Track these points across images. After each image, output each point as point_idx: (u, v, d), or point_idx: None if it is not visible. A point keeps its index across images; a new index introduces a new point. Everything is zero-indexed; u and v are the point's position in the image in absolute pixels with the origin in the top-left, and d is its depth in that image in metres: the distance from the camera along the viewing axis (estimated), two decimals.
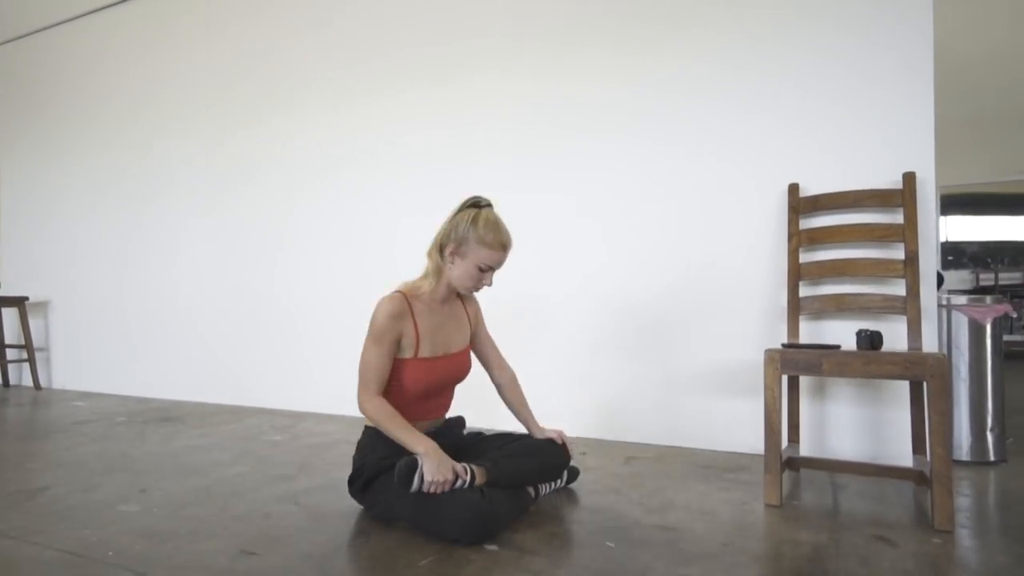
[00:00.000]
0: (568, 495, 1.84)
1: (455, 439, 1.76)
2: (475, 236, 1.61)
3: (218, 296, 3.67)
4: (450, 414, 1.83)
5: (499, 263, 1.66)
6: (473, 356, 1.86)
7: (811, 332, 2.23)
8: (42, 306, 4.52)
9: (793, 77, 2.29)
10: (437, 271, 1.67)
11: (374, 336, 1.60)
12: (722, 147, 2.41)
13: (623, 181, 2.59)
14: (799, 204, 2.21)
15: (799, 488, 1.92)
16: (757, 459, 2.21)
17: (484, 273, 1.65)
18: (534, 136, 2.77)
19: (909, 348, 1.94)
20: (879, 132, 2.16)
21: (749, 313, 2.34)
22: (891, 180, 2.10)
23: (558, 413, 2.71)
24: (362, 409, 1.61)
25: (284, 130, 3.46)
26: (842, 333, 2.16)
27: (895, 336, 2.08)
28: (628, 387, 2.56)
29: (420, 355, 1.64)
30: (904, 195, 2.04)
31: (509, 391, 1.87)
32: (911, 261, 1.99)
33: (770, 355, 1.75)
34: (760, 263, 2.33)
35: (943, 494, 1.53)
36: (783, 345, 1.85)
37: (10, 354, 4.64)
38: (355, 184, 3.23)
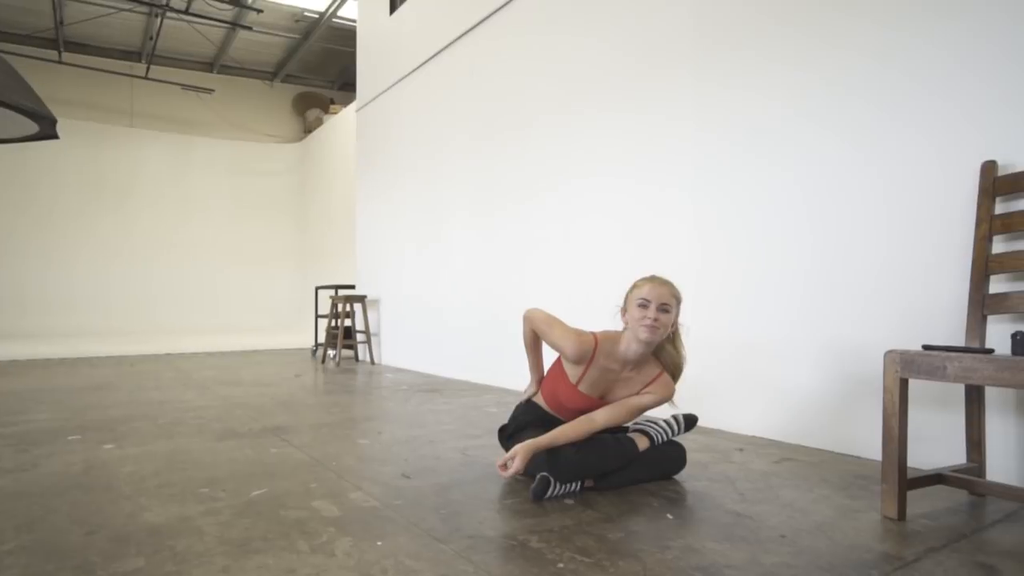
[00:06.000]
0: (681, 478, 1.97)
1: None
2: (629, 291, 1.90)
3: (475, 296, 4.52)
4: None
5: (651, 294, 1.80)
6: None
7: None
8: (375, 302, 6.09)
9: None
10: (624, 331, 1.90)
11: (561, 333, 1.90)
12: (903, 128, 2.15)
13: (787, 179, 2.48)
14: (993, 185, 1.88)
15: (950, 509, 1.69)
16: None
17: (646, 309, 1.80)
18: (718, 140, 2.82)
19: None
20: None
21: (937, 313, 2.05)
22: None
23: (735, 410, 2.75)
24: (526, 315, 2.02)
25: (519, 154, 4.10)
26: None
27: None
28: (799, 392, 2.44)
29: (579, 387, 1.92)
30: None
31: (581, 418, 1.90)
32: None
33: (890, 357, 1.62)
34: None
35: None
36: (923, 347, 1.67)
37: (359, 337, 6.36)
38: (578, 199, 3.67)
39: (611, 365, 1.89)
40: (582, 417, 1.87)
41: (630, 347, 1.86)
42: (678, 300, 1.86)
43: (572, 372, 1.93)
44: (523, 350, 2.12)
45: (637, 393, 1.91)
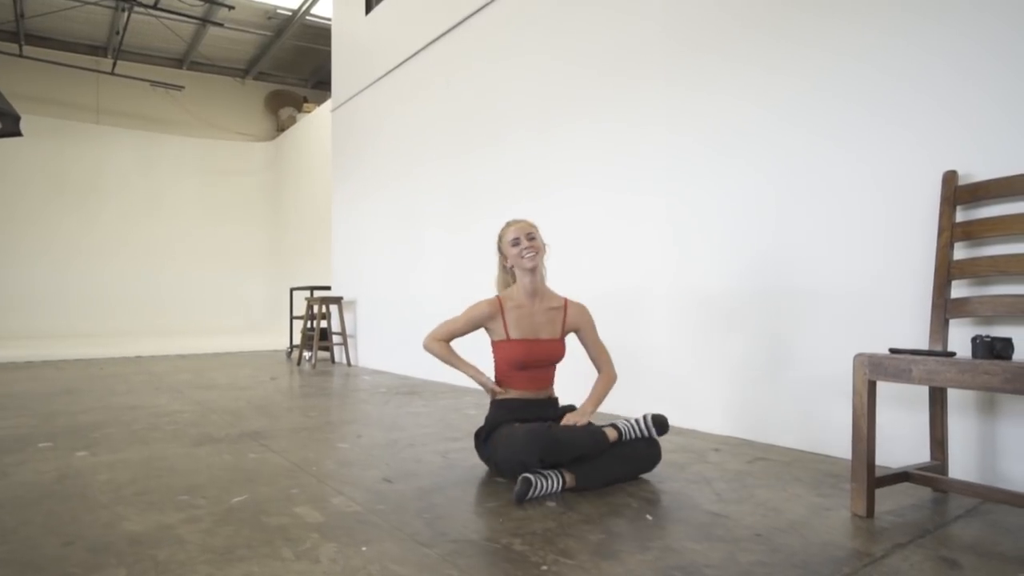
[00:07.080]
0: (659, 479, 2.02)
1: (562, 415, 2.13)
2: (498, 244, 2.22)
3: (452, 297, 4.52)
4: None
5: (518, 231, 2.11)
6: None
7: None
8: (352, 304, 6.05)
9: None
10: (511, 277, 2.21)
11: (467, 312, 2.16)
12: (866, 138, 2.23)
13: (757, 181, 2.55)
14: (954, 194, 1.96)
15: (915, 505, 1.76)
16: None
17: (519, 246, 2.09)
18: (684, 145, 2.88)
19: None
20: None
21: (903, 316, 2.13)
22: None
23: (709, 411, 2.80)
24: (424, 343, 2.21)
25: (493, 158, 4.12)
26: None
27: None
28: (772, 393, 2.51)
29: (511, 337, 2.13)
30: None
31: (596, 383, 2.20)
32: None
33: (859, 360, 1.68)
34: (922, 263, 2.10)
35: None
36: (890, 350, 1.73)
37: (335, 339, 6.31)
38: (553, 202, 3.70)
39: (521, 303, 2.15)
40: (598, 382, 2.17)
41: (523, 281, 2.13)
42: (536, 227, 2.16)
43: (499, 331, 2.14)
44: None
45: (562, 326, 2.17)
